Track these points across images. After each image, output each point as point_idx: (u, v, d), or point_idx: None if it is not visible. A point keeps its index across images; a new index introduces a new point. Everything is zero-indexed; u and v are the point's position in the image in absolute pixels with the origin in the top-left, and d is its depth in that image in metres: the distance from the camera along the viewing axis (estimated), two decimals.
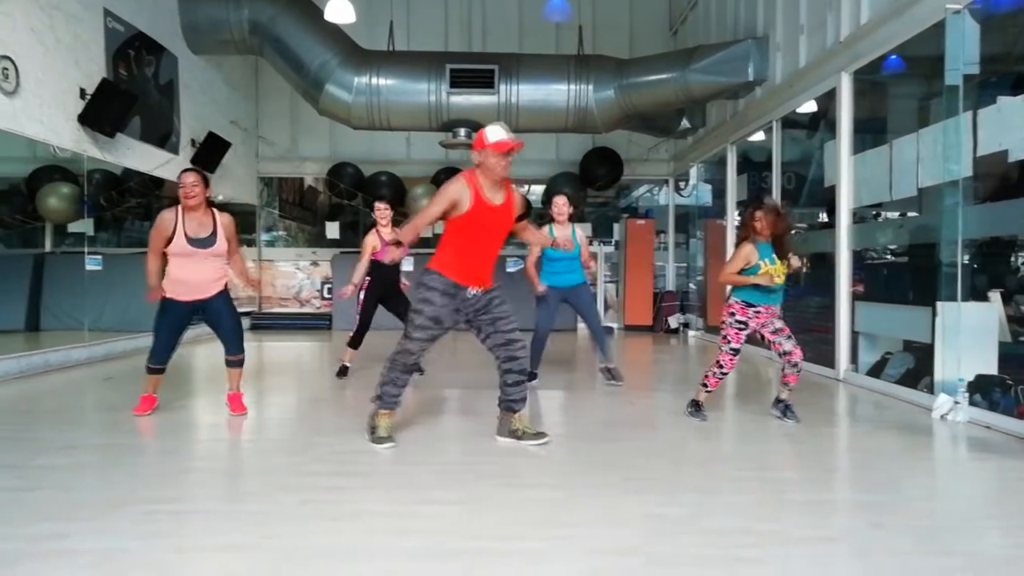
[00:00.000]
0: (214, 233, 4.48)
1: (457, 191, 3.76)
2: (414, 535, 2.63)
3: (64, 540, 2.55)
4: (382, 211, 6.25)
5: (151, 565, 2.38)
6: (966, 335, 4.81)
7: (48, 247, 9.66)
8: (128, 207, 10.03)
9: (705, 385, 4.68)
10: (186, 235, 4.41)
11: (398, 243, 4.04)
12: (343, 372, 6.36)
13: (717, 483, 3.38)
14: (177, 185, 4.44)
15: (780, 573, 2.37)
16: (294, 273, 12.32)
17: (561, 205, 5.84)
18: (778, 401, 4.72)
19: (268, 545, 2.54)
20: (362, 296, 6.21)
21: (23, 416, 4.90)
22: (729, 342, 4.57)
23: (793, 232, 4.60)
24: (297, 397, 5.67)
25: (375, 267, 6.09)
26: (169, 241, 4.41)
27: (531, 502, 3.03)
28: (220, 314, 4.62)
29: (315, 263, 12.33)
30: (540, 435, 4.03)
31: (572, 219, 6.06)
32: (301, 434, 4.44)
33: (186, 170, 4.59)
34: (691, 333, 11.08)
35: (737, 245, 4.64)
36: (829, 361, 6.48)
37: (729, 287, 4.68)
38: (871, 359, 6.25)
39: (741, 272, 4.48)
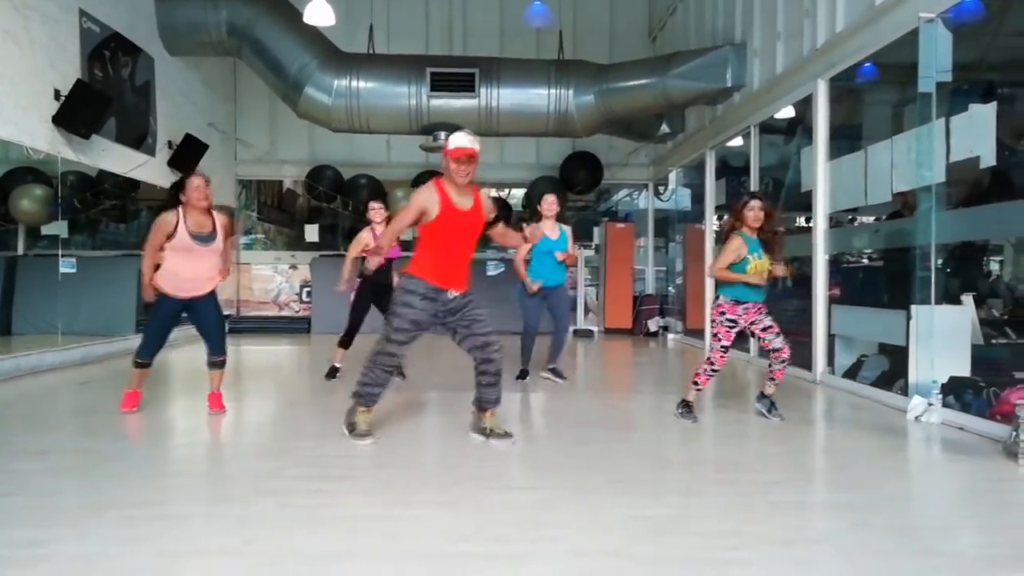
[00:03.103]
0: (214, 232, 4.65)
1: (425, 199, 3.88)
2: (397, 538, 2.62)
3: (43, 546, 2.51)
4: (376, 210, 6.23)
5: (132, 570, 2.35)
6: (939, 338, 4.90)
7: (21, 250, 9.50)
8: (103, 209, 9.90)
9: (696, 383, 4.71)
10: (189, 230, 4.56)
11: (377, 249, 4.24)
12: (332, 374, 6.31)
13: (699, 485, 3.42)
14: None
15: (764, 574, 2.40)
16: (273, 276, 12.22)
17: (551, 203, 6.11)
18: (763, 396, 4.82)
19: (249, 549, 2.52)
20: (352, 297, 6.23)
21: None
22: (720, 340, 4.65)
23: (780, 231, 4.73)
24: (276, 400, 5.62)
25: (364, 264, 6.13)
26: (170, 238, 4.56)
27: (514, 504, 3.04)
28: (208, 314, 4.75)
29: (294, 266, 12.24)
30: (507, 435, 4.10)
31: (559, 219, 6.30)
32: (281, 437, 4.40)
33: (196, 173, 4.76)
34: (670, 336, 11.15)
35: (725, 237, 4.69)
36: (806, 364, 6.56)
37: (715, 283, 4.77)
38: (847, 361, 6.35)
39: (731, 267, 4.54)
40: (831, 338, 6.46)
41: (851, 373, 6.19)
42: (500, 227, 4.33)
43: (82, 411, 5.30)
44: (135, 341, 8.59)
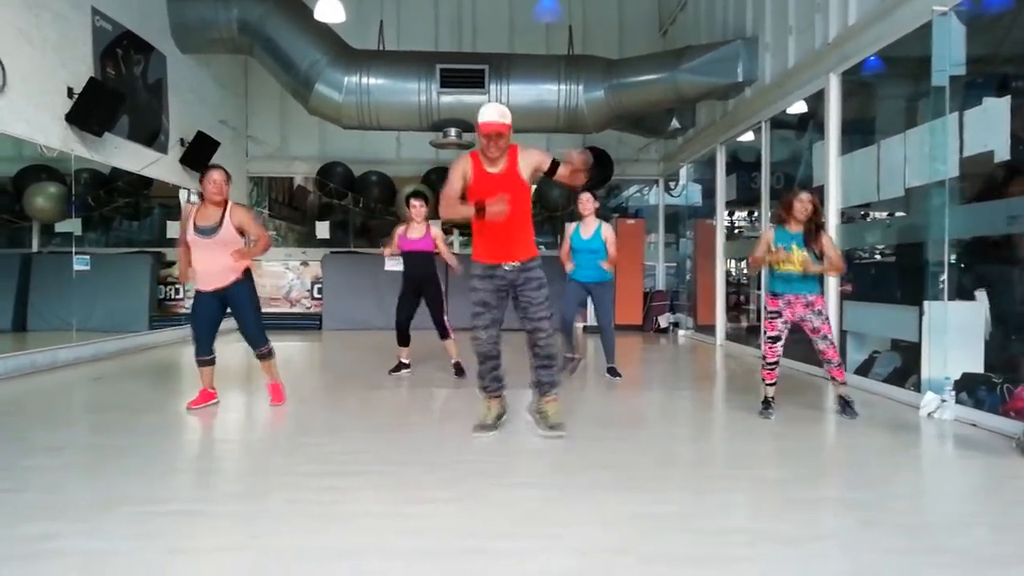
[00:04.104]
0: (220, 224, 4.63)
1: (460, 163, 4.03)
2: (406, 535, 2.63)
3: (53, 541, 2.53)
4: (417, 208, 6.29)
5: (142, 566, 2.37)
6: (952, 334, 4.86)
7: (35, 247, 9.61)
8: (116, 207, 9.99)
9: (764, 380, 4.86)
10: (195, 224, 4.64)
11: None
12: (398, 368, 6.49)
13: (707, 482, 3.40)
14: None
15: (771, 572, 2.39)
16: (284, 273, 12.27)
17: (585, 201, 6.20)
18: (838, 398, 4.90)
19: (259, 545, 2.53)
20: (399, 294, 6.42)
21: (9, 417, 4.85)
22: (766, 332, 4.83)
23: (822, 225, 4.79)
24: (287, 396, 5.64)
25: (404, 260, 6.30)
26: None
27: (523, 501, 3.04)
28: (240, 305, 4.83)
29: (305, 263, 12.29)
30: (555, 428, 4.15)
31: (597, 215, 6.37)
32: (292, 434, 4.43)
33: (215, 166, 4.78)
34: (681, 332, 11.11)
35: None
36: (818, 360, 6.48)
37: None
38: (859, 358, 6.30)
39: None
40: (843, 334, 6.41)
41: (863, 369, 6.14)
42: (561, 170, 3.93)
43: (96, 407, 5.35)
44: (148, 337, 8.76)
